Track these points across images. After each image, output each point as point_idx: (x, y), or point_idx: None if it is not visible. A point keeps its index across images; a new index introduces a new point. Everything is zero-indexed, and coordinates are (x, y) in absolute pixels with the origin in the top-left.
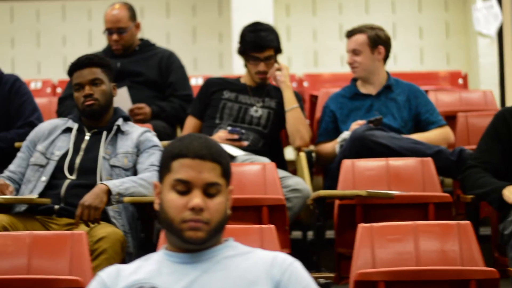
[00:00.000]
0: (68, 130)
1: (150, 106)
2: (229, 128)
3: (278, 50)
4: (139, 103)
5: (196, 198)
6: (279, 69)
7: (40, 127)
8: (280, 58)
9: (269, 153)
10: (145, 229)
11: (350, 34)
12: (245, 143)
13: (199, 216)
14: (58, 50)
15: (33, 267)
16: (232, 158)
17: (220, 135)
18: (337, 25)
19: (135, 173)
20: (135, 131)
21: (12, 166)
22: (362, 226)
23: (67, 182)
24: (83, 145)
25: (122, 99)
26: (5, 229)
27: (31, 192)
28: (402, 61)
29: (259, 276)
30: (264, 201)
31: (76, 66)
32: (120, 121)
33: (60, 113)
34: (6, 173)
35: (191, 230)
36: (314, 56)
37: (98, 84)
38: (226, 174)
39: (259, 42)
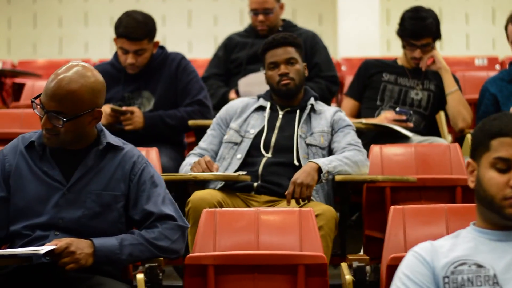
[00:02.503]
0: (260, 108)
1: None
2: (397, 109)
3: (436, 37)
4: None
5: None
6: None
7: (231, 105)
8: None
9: (429, 134)
10: (340, 208)
11: None
12: (411, 124)
13: None
14: (209, 30)
15: (262, 243)
16: (406, 138)
17: (387, 116)
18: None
19: (329, 152)
20: (328, 110)
21: (203, 144)
22: None
23: (264, 159)
24: (277, 124)
25: None
26: (220, 205)
27: (226, 169)
28: None
29: None
30: (457, 181)
31: (271, 45)
32: (312, 100)
33: None
34: (197, 150)
35: None
36: None
37: (293, 63)
38: None
39: (416, 30)
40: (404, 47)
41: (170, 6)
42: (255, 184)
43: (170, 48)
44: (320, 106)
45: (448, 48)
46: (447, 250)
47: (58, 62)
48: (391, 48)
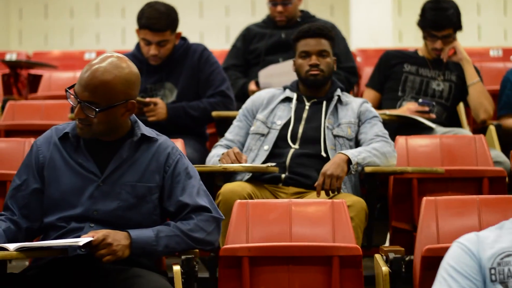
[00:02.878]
0: (286, 99)
1: None
2: (420, 100)
3: (457, 28)
4: None
5: None
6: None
7: (258, 96)
8: None
9: (451, 125)
10: (366, 199)
11: None
12: (433, 115)
13: None
14: (220, 21)
15: (294, 234)
16: (430, 129)
17: (410, 107)
18: None
19: (356, 143)
20: (354, 102)
21: (229, 135)
22: None
23: (291, 151)
24: (304, 115)
25: (290, 70)
26: (250, 197)
27: (253, 160)
28: None
29: None
30: (485, 172)
31: (306, 34)
32: (339, 92)
33: None
34: (224, 141)
35: None
36: None
37: (325, 55)
38: None
39: (438, 21)
40: (425, 38)
41: None
42: (283, 175)
43: None
44: (346, 97)
45: (459, 39)
46: (492, 241)
47: (73, 53)
48: (403, 39)
